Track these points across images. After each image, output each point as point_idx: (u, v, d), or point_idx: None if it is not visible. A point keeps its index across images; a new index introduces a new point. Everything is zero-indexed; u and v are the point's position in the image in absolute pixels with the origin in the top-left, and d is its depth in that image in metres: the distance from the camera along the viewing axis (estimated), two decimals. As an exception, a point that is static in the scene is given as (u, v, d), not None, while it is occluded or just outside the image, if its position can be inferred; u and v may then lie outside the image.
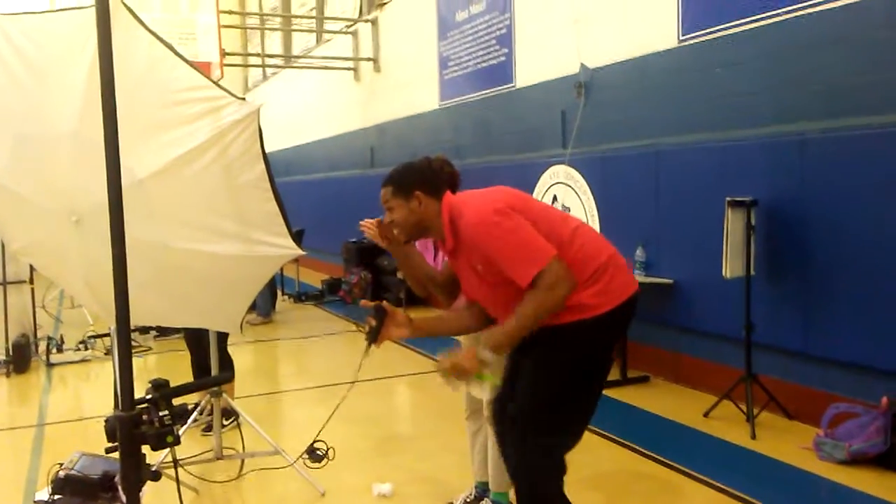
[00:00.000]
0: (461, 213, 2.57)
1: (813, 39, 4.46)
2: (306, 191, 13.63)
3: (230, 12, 14.12)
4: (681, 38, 5.38)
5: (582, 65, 6.30)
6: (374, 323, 2.65)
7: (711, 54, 5.14)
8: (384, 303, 2.69)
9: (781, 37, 4.64)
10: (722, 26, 5.03)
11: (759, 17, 4.77)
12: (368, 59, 11.14)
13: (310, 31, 14.15)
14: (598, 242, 2.63)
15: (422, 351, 6.62)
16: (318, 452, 3.41)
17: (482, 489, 3.35)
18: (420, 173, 2.73)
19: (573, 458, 4.11)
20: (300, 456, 3.59)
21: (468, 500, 3.39)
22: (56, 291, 9.49)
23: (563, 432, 2.60)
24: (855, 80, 4.23)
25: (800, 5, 4.51)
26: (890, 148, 4.01)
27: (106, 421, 2.04)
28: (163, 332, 7.47)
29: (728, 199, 4.51)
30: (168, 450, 2.14)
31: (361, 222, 2.99)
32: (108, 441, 2.05)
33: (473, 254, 2.56)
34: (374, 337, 2.65)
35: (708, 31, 5.15)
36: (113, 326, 3.66)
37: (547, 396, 2.55)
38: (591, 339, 2.54)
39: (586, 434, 4.42)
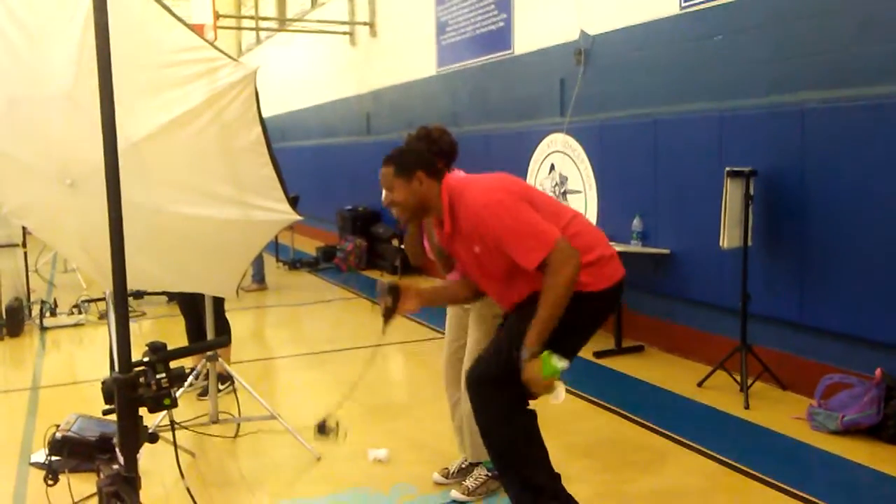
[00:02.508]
0: (462, 196, 2.65)
1: (815, 9, 4.40)
2: (301, 157, 13.55)
3: (224, -26, 13.89)
4: (683, 5, 5.31)
5: (582, 31, 6.22)
6: (389, 302, 2.77)
7: (713, 22, 5.08)
8: (399, 280, 2.80)
9: (784, 6, 4.58)
10: (725, -6, 4.96)
11: (762, -16, 4.71)
12: (365, 24, 11.00)
13: (305, -6, 13.97)
14: (595, 234, 2.80)
15: (416, 319, 6.63)
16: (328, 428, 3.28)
17: (476, 456, 3.37)
18: (421, 154, 2.83)
19: (567, 425, 4.14)
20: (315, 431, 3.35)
21: (463, 466, 3.40)
22: (49, 255, 9.48)
23: (518, 384, 2.59)
24: (857, 50, 4.19)
25: (804, -27, 4.45)
26: (891, 119, 3.98)
27: (103, 383, 2.03)
28: (172, 296, 7.42)
29: (727, 169, 4.49)
30: (164, 413, 2.14)
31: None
32: (106, 403, 2.03)
33: (472, 236, 2.64)
34: (390, 315, 2.78)
35: (710, -2, 5.08)
36: (108, 290, 3.64)
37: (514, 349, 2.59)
38: (577, 310, 2.59)
39: (580, 402, 4.50)
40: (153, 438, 2.08)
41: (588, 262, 2.61)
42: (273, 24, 15.58)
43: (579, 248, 2.60)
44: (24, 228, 6.64)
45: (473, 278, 2.85)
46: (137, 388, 1.98)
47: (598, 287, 2.64)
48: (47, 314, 6.72)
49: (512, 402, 2.64)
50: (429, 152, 3.29)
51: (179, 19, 2.89)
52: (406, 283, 2.81)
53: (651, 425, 4.10)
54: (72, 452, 2.88)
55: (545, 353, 2.50)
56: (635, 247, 5.59)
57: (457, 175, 3.35)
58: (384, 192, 2.77)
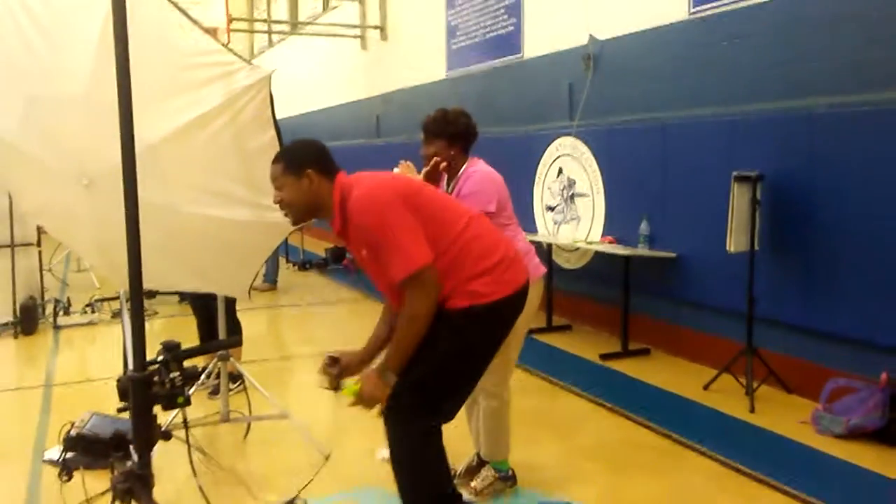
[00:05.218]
0: (350, 194, 2.50)
1: (824, 14, 4.42)
2: (311, 159, 13.56)
3: (236, -23, 13.98)
4: (691, 10, 5.34)
5: (591, 36, 6.25)
6: (333, 372, 2.71)
7: (721, 27, 5.10)
8: (333, 355, 2.74)
9: (792, 11, 4.61)
10: (733, -1, 4.99)
11: (771, -10, 4.73)
12: (375, 27, 11.05)
13: (316, -3, 14.04)
14: (494, 237, 2.64)
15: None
16: None
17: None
18: (313, 151, 2.60)
19: (573, 427, 4.17)
20: None
21: (471, 465, 3.44)
22: (62, 254, 9.55)
23: (433, 412, 2.56)
24: (865, 55, 4.20)
25: (813, -21, 4.47)
26: (898, 125, 4.00)
27: (118, 381, 2.07)
28: (183, 296, 7.46)
29: (734, 173, 4.51)
30: (176, 411, 2.18)
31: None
32: (121, 401, 2.08)
33: (359, 238, 2.52)
34: (337, 384, 2.71)
35: (719, 3, 5.10)
36: (122, 289, 3.69)
37: (423, 376, 2.52)
38: (479, 324, 2.53)
39: (587, 404, 4.54)
40: (167, 436, 2.12)
41: (486, 268, 2.52)
42: (285, 28, 15.66)
43: (477, 252, 2.51)
44: (38, 228, 6.71)
45: (378, 287, 2.72)
46: (152, 387, 2.03)
47: (496, 296, 2.52)
48: (61, 313, 6.79)
49: (424, 434, 2.62)
50: (446, 134, 3.30)
51: (196, 23, 2.94)
52: (342, 353, 2.74)
53: (657, 428, 4.12)
54: (86, 450, 2.92)
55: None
56: (642, 250, 5.61)
57: (476, 163, 3.33)
58: (274, 191, 2.64)
